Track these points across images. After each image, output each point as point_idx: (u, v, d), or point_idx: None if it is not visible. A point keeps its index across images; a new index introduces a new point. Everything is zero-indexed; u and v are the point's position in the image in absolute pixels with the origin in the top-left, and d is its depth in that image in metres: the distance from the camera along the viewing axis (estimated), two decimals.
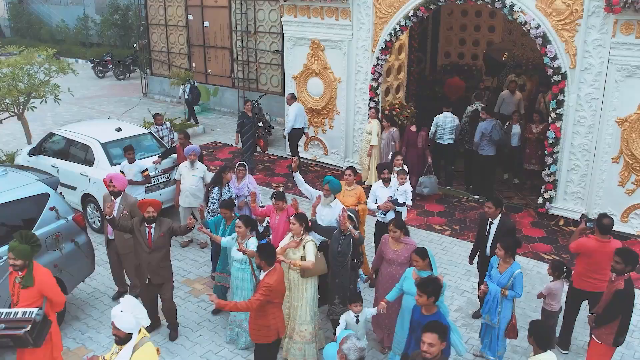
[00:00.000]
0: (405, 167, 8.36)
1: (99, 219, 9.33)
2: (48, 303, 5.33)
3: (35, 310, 5.15)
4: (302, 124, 12.00)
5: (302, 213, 6.34)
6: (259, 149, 12.92)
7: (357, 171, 9.64)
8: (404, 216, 8.11)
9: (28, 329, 5.00)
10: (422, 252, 5.62)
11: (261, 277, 5.42)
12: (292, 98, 12.14)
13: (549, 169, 9.59)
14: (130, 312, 4.17)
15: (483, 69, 15.64)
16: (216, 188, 7.96)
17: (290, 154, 12.60)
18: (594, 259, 5.98)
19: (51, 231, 6.72)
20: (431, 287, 4.90)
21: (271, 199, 7.22)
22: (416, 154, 10.36)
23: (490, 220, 6.73)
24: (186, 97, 15.62)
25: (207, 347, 6.63)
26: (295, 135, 12.10)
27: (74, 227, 7.01)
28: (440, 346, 4.14)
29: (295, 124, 11.90)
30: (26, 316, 5.10)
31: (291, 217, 6.17)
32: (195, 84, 15.84)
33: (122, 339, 4.21)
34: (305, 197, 7.87)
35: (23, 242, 5.33)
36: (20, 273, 5.29)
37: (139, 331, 4.26)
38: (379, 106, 11.37)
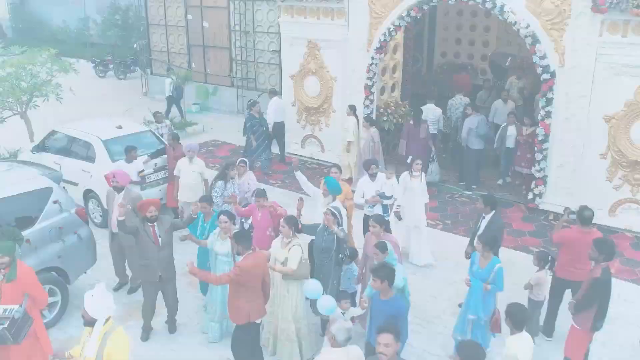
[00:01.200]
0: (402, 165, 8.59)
1: (101, 214, 9.56)
2: (30, 300, 5.33)
3: (16, 307, 5.15)
4: (281, 118, 12.25)
5: (291, 216, 6.42)
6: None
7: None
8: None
9: (6, 325, 5.01)
10: (381, 246, 5.81)
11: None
12: (272, 92, 12.43)
13: (538, 164, 9.82)
14: (99, 299, 4.46)
15: (479, 68, 15.88)
16: (220, 182, 8.10)
17: (276, 152, 12.73)
18: (576, 249, 6.22)
19: (55, 223, 6.96)
20: (383, 271, 5.12)
21: (251, 196, 7.39)
22: (419, 145, 10.58)
23: (483, 215, 6.93)
24: (169, 93, 15.83)
25: (204, 336, 6.86)
26: (279, 129, 12.33)
27: (77, 220, 7.25)
28: (396, 346, 4.19)
29: (275, 118, 12.17)
30: (6, 313, 5.10)
31: (281, 220, 6.24)
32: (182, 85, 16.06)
33: (88, 321, 4.52)
34: (309, 196, 7.91)
35: (5, 238, 5.34)
36: (3, 270, 5.29)
37: (107, 320, 4.49)
38: (373, 106, 11.61)
